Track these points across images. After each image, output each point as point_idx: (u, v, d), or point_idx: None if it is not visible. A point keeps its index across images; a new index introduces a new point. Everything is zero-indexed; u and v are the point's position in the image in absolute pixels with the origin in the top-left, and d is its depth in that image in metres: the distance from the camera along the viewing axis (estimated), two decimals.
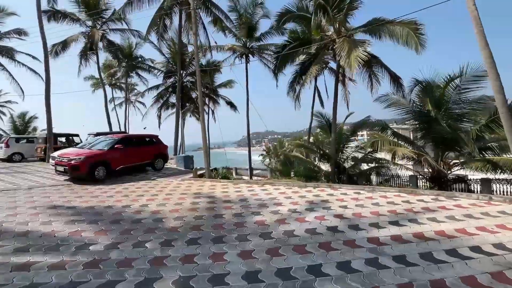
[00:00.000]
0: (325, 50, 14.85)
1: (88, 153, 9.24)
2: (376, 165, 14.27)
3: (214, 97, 28.04)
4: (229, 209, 5.64)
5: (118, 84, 39.75)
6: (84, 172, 8.80)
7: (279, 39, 23.04)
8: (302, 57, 17.39)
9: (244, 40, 22.81)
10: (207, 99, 29.17)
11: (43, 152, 15.77)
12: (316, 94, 22.14)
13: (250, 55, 23.57)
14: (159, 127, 26.90)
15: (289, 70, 22.07)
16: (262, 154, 69.02)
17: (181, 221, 4.87)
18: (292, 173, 22.08)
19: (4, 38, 22.68)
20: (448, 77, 10.66)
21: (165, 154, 12.24)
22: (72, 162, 8.73)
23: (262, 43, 23.23)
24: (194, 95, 27.91)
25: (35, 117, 36.46)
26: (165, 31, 16.72)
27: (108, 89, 40.92)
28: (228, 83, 29.02)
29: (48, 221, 4.91)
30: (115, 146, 9.78)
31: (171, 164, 13.85)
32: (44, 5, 17.18)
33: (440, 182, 11.50)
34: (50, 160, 11.13)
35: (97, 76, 37.06)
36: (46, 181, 9.23)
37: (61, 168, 8.90)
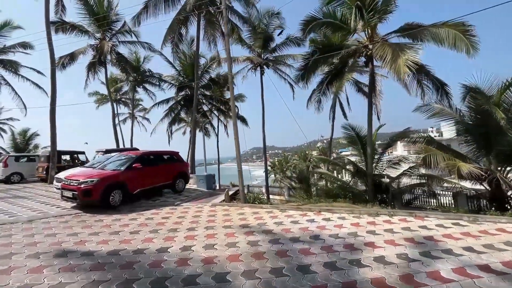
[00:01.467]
0: (356, 57, 13.72)
1: (102, 174, 7.68)
2: (422, 181, 12.68)
3: (226, 111, 26.83)
4: (308, 254, 4.02)
5: (123, 99, 38.87)
6: (97, 198, 7.21)
7: (295, 50, 22.26)
8: (325, 69, 16.35)
9: (258, 51, 21.92)
10: (210, 113, 28.09)
11: (44, 172, 14.19)
12: (338, 106, 20.90)
13: (265, 67, 22.63)
14: (168, 143, 25.47)
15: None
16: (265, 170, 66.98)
17: (257, 281, 3.25)
18: (313, 191, 20.40)
19: (9, 52, 21.82)
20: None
21: (187, 174, 10.67)
22: (83, 185, 7.15)
23: (277, 54, 22.38)
24: (205, 108, 26.78)
25: (37, 134, 35.22)
26: (180, 40, 15.70)
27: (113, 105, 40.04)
28: (239, 97, 27.98)
29: (59, 284, 3.28)
30: (133, 165, 8.23)
31: (190, 184, 12.24)
32: (52, 16, 16.24)
33: (503, 202, 9.91)
34: (55, 182, 9.55)
35: (101, 91, 36.26)
36: (49, 209, 7.60)
37: (68, 193, 7.30)
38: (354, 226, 5.43)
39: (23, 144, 34.11)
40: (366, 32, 13.34)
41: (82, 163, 16.28)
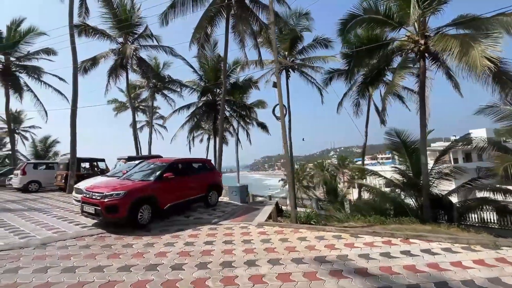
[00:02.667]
0: (401, 54, 12.20)
1: (129, 186, 6.42)
2: (488, 196, 10.75)
3: (247, 118, 25.64)
4: None
5: (140, 107, 38.72)
6: (124, 214, 5.92)
7: (322, 53, 20.89)
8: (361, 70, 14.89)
9: (284, 53, 20.74)
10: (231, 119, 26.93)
11: (63, 181, 13.25)
12: (374, 110, 19.19)
13: (290, 70, 21.39)
14: (189, 150, 24.44)
15: (335, 86, 19.61)
16: (282, 179, 65.42)
17: None
18: (346, 205, 18.52)
19: (33, 59, 21.72)
20: None
21: (220, 185, 9.30)
22: (107, 200, 5.89)
23: (303, 57, 21.11)
24: (227, 114, 25.65)
25: (57, 141, 35.37)
26: (207, 40, 14.70)
27: (130, 112, 39.89)
28: (259, 103, 26.78)
29: None
30: (164, 175, 6.94)
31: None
32: (75, 19, 15.75)
33: None
34: (74, 193, 8.42)
35: (120, 99, 36.12)
36: (67, 227, 6.38)
37: (90, 209, 6.06)
38: (479, 264, 3.83)
39: (43, 151, 34.28)
40: (417, 26, 11.87)
41: (102, 172, 15.32)
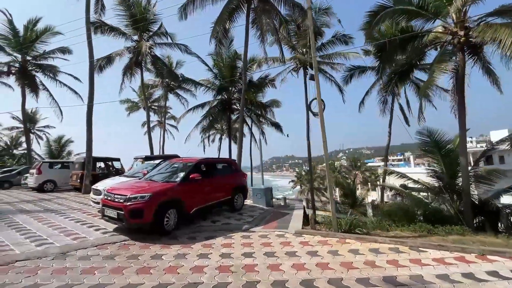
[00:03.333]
0: (444, 46, 11.25)
1: (154, 188, 5.80)
2: None
3: (261, 118, 24.94)
4: None
5: (152, 107, 38.68)
6: (149, 220, 5.30)
7: (341, 49, 20.04)
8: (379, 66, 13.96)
9: (302, 50, 19.97)
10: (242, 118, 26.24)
11: (78, 180, 12.86)
12: (398, 109, 18.16)
13: (308, 68, 20.59)
14: (204, 151, 23.92)
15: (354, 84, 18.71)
16: (292, 180, 64.44)
17: None
18: (368, 210, 17.54)
19: (49, 58, 21.68)
20: None
21: (246, 187, 8.63)
22: (131, 203, 5.28)
23: (322, 54, 20.28)
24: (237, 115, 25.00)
25: (71, 141, 35.64)
26: (225, 36, 14.11)
27: (142, 112, 39.96)
28: (274, 103, 26.04)
29: None
30: (190, 176, 6.31)
31: None
32: (91, 16, 15.43)
33: None
34: (92, 195, 7.90)
35: (132, 99, 36.07)
36: (87, 232, 5.81)
37: (112, 213, 5.47)
38: None
39: (57, 150, 34.56)
40: (455, 16, 10.95)
41: (117, 171, 14.92)
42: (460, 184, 10.98)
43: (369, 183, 39.45)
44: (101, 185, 7.77)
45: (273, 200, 9.84)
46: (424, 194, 14.36)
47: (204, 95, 22.98)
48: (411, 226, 7.39)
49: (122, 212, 5.27)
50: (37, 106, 34.94)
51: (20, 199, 11.03)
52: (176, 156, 12.67)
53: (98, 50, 14.42)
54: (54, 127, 39.90)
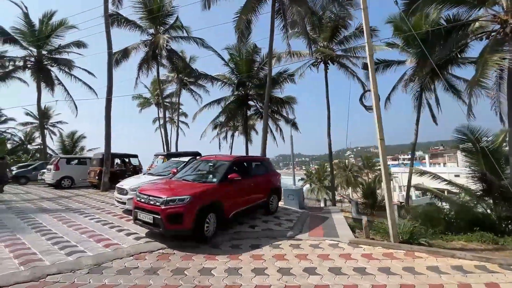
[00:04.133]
0: (495, 36, 10.27)
1: (194, 189, 5.17)
2: None
3: (276, 114, 24.15)
4: None
5: (165, 103, 38.40)
6: (190, 226, 4.68)
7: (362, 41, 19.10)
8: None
9: (324, 44, 19.07)
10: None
11: (97, 177, 12.42)
12: (426, 106, 17.06)
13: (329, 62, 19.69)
14: (219, 147, 23.36)
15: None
16: (302, 178, 63.47)
17: None
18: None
19: (63, 53, 21.39)
20: None
21: (280, 188, 7.95)
22: (169, 206, 4.67)
23: (344, 47, 19.32)
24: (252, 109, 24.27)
25: (83, 136, 35.66)
26: (247, 27, 13.38)
27: (154, 108, 39.67)
28: (289, 100, 25.20)
29: None
30: (229, 176, 5.66)
31: None
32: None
33: None
34: (116, 194, 7.35)
35: (145, 95, 35.78)
36: (119, 237, 5.23)
37: (147, 217, 4.86)
38: None
39: (70, 146, 34.60)
40: (504, 3, 10.01)
41: (134, 168, 14.47)
42: (507, 186, 10.06)
43: (396, 184, 38.25)
44: (126, 184, 7.21)
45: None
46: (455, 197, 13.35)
47: (217, 91, 22.29)
48: (472, 236, 6.59)
49: (159, 217, 4.66)
50: (52, 101, 34.90)
51: (39, 196, 10.65)
52: (197, 154, 12.09)
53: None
54: (67, 123, 40.06)
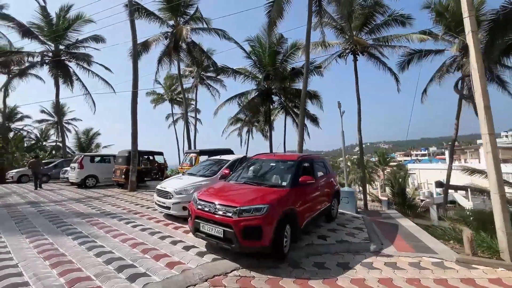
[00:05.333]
0: None
1: (268, 195, 4.26)
2: None
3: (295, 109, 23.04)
4: None
5: (178, 98, 37.84)
6: (269, 241, 3.82)
7: (397, 31, 17.76)
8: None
9: (353, 33, 17.82)
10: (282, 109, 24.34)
11: (123, 176, 11.75)
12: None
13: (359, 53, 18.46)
14: (241, 145, 22.49)
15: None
16: None
17: None
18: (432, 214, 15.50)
19: (81, 47, 20.82)
20: None
21: (339, 191, 7.02)
22: (244, 218, 3.80)
23: (375, 37, 18.02)
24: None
25: (98, 133, 35.50)
26: (280, 15, 12.35)
27: (167, 105, 39.04)
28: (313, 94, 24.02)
29: None
30: (300, 179, 4.75)
31: None
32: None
33: None
34: (157, 197, 6.57)
35: (158, 91, 35.13)
36: (176, 251, 4.42)
37: (215, 230, 4.00)
38: None
39: (86, 143, 34.47)
40: None
41: (159, 166, 13.78)
42: None
43: (414, 181, 36.77)
44: (170, 186, 6.40)
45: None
46: None
47: (234, 87, 21.38)
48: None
49: (232, 231, 3.80)
50: (69, 97, 34.76)
51: (66, 197, 10.03)
52: (228, 151, 11.25)
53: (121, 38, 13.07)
54: (81, 120, 40.01)
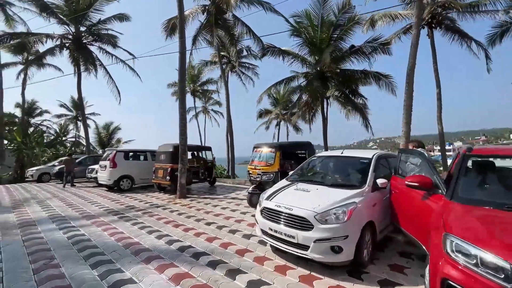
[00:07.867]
0: None
1: None
2: None
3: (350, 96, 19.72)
4: None
5: (200, 90, 35.27)
6: None
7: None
8: None
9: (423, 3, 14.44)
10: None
11: (168, 177, 9.11)
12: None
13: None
14: (287, 137, 19.32)
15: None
16: None
17: None
18: None
19: (103, 29, 18.39)
20: None
21: None
22: None
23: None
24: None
25: (119, 128, 33.73)
26: None
27: (189, 98, 36.26)
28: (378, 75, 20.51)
29: None
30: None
31: None
32: None
33: None
34: (258, 217, 3.75)
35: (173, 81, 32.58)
36: None
37: None
38: None
39: (107, 138, 32.64)
40: None
41: (206, 164, 11.12)
42: None
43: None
44: (298, 205, 3.54)
45: None
46: None
47: (266, 74, 18.44)
48: None
49: None
50: (92, 86, 32.95)
51: (102, 207, 7.45)
52: (309, 144, 8.37)
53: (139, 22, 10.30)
54: (99, 114, 38.38)
